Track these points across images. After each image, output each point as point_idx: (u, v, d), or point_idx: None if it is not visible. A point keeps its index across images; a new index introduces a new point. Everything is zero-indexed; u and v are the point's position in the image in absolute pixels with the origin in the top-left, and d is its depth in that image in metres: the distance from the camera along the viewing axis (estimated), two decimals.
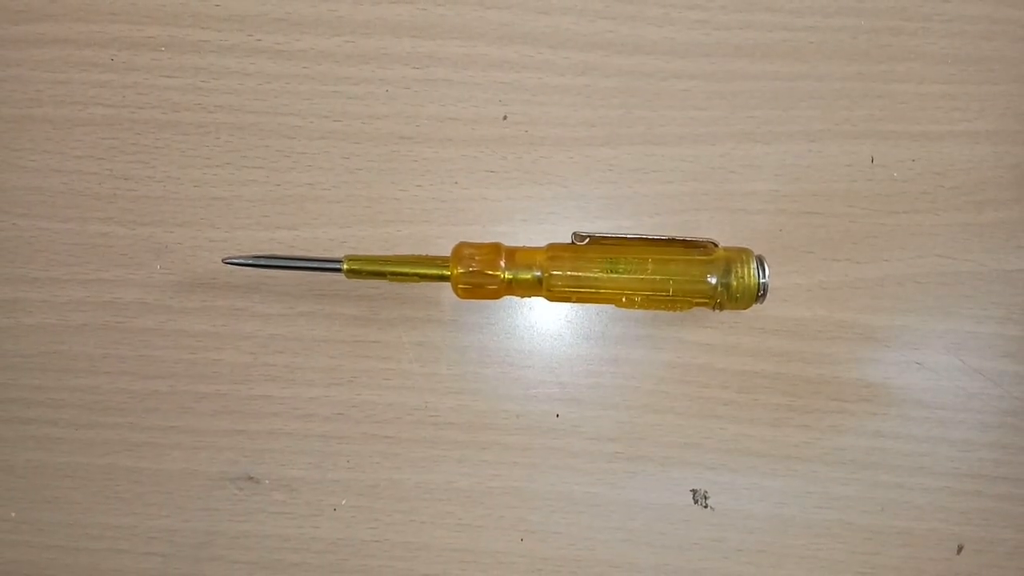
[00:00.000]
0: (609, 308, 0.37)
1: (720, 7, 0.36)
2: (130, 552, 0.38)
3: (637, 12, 0.36)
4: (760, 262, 0.31)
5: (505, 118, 0.37)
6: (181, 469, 0.37)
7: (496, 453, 0.37)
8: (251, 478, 0.37)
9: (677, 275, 0.31)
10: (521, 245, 0.33)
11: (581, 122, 0.37)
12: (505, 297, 0.33)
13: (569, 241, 0.32)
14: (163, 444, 0.37)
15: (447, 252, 0.32)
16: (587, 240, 0.32)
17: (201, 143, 0.37)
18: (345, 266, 0.32)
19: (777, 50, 0.36)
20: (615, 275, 0.32)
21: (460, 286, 0.32)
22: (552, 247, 0.32)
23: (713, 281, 0.31)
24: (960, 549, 0.37)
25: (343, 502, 0.37)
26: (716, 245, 0.32)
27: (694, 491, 0.37)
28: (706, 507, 0.37)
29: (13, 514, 0.38)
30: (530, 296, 0.33)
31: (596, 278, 0.32)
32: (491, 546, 0.37)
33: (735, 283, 0.31)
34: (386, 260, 0.32)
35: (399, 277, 0.32)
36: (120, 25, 0.36)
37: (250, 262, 0.32)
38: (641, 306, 0.32)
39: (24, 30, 0.37)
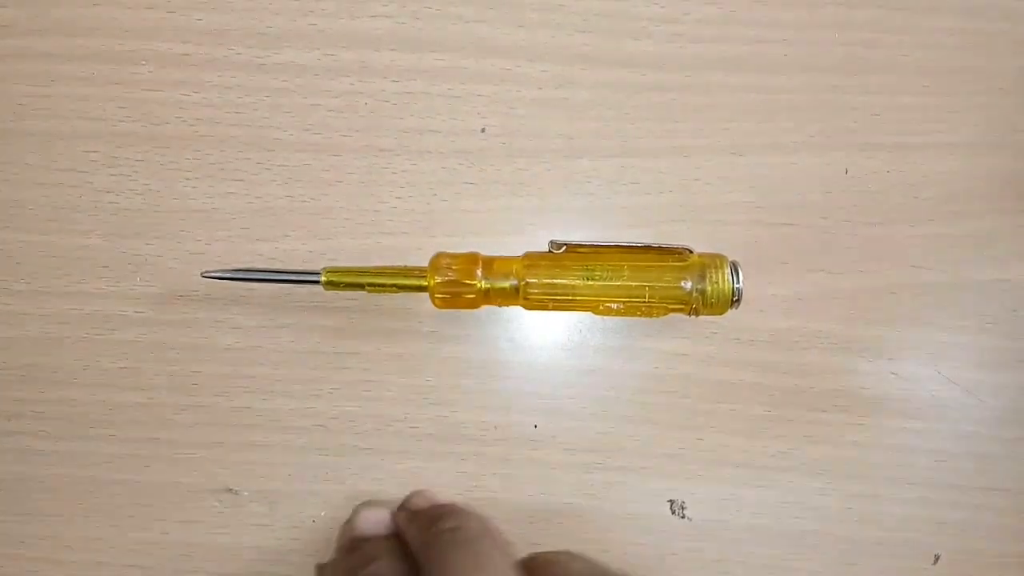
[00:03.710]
0: (587, 319, 0.37)
1: (696, 21, 0.37)
2: (110, 564, 0.37)
3: (614, 26, 0.37)
4: (734, 267, 0.31)
5: (483, 130, 0.37)
6: (161, 481, 0.37)
7: (475, 464, 0.37)
8: (231, 490, 0.37)
9: (653, 281, 0.31)
10: (498, 255, 0.33)
11: (559, 134, 0.37)
12: (484, 308, 0.33)
13: (546, 249, 0.33)
14: (143, 456, 0.37)
15: (425, 263, 0.32)
16: (563, 248, 0.32)
17: (181, 156, 0.37)
18: (324, 278, 0.32)
19: (752, 63, 0.37)
20: (592, 282, 0.32)
21: (437, 296, 0.32)
22: (529, 255, 0.33)
23: (688, 287, 0.31)
24: (937, 559, 0.37)
25: (322, 514, 0.37)
26: (691, 251, 0.32)
27: (672, 501, 0.37)
28: (683, 518, 0.37)
29: None
30: (507, 305, 0.33)
31: (573, 286, 0.32)
32: None
33: (710, 288, 0.31)
34: (364, 272, 0.33)
35: (377, 288, 0.32)
36: (101, 40, 0.37)
37: (229, 275, 0.33)
38: (618, 313, 0.32)
39: (6, 44, 0.37)
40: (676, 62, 0.37)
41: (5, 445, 0.37)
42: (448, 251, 0.33)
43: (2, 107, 0.37)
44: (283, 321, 0.37)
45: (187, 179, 0.37)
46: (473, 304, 0.32)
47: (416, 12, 0.37)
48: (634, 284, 0.32)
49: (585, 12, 0.37)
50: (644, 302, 0.32)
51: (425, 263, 0.32)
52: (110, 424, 0.37)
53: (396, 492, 0.37)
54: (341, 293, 0.36)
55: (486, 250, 0.33)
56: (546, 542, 0.37)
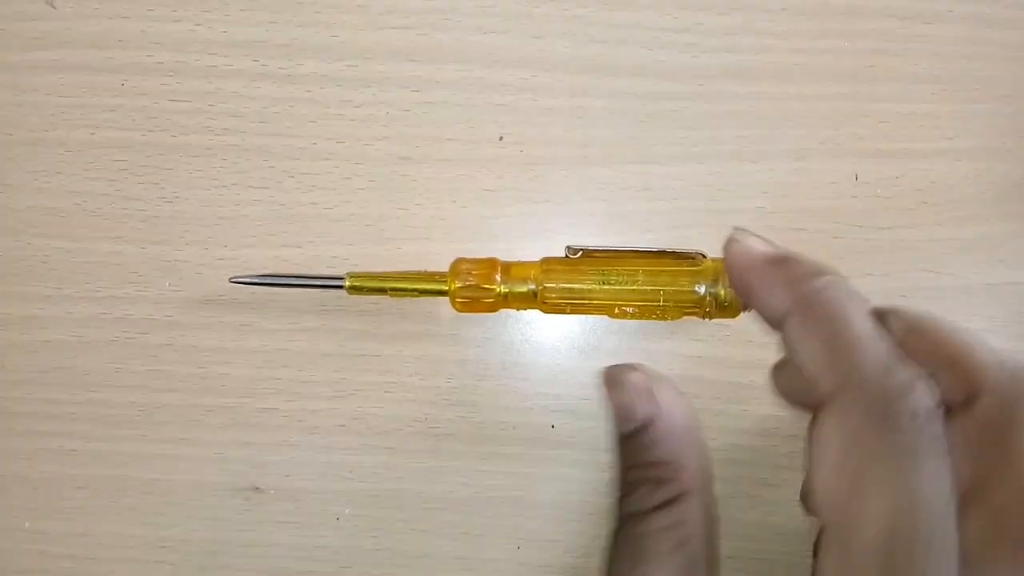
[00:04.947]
0: (602, 322, 0.38)
1: (708, 31, 0.38)
2: (141, 561, 0.39)
3: (628, 36, 0.38)
4: None
5: (501, 139, 0.38)
6: (190, 480, 0.38)
7: (494, 463, 0.38)
8: (257, 489, 0.38)
9: (667, 285, 0.32)
10: (516, 260, 0.34)
11: (574, 142, 0.38)
12: (502, 311, 0.34)
13: (563, 255, 0.34)
14: (173, 456, 0.38)
15: (446, 268, 0.33)
16: (580, 253, 0.33)
17: (208, 165, 0.38)
18: (347, 283, 0.33)
19: (764, 72, 0.38)
20: (607, 286, 0.32)
21: (458, 300, 0.33)
22: (546, 261, 0.34)
23: (702, 291, 0.32)
24: None
25: (346, 512, 0.38)
26: (704, 256, 0.33)
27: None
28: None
29: (27, 524, 0.39)
30: (526, 308, 0.34)
31: (589, 290, 0.33)
32: (489, 554, 0.38)
33: (723, 292, 0.32)
34: (386, 276, 0.34)
35: (399, 293, 0.33)
36: (131, 52, 0.38)
37: (256, 281, 0.34)
38: (633, 316, 0.33)
39: (39, 56, 0.38)
40: (689, 71, 0.38)
41: (39, 445, 0.39)
42: (468, 256, 0.34)
43: (35, 117, 0.38)
44: (308, 325, 0.38)
45: (215, 187, 0.38)
46: (492, 308, 0.33)
47: (435, 24, 0.38)
48: (649, 288, 0.32)
49: (600, 23, 0.38)
50: (659, 305, 0.32)
51: (445, 268, 0.33)
52: (140, 425, 0.38)
53: (418, 490, 0.38)
54: (364, 297, 0.37)
55: (504, 255, 0.34)
56: (564, 540, 0.38)
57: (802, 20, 0.38)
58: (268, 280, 0.34)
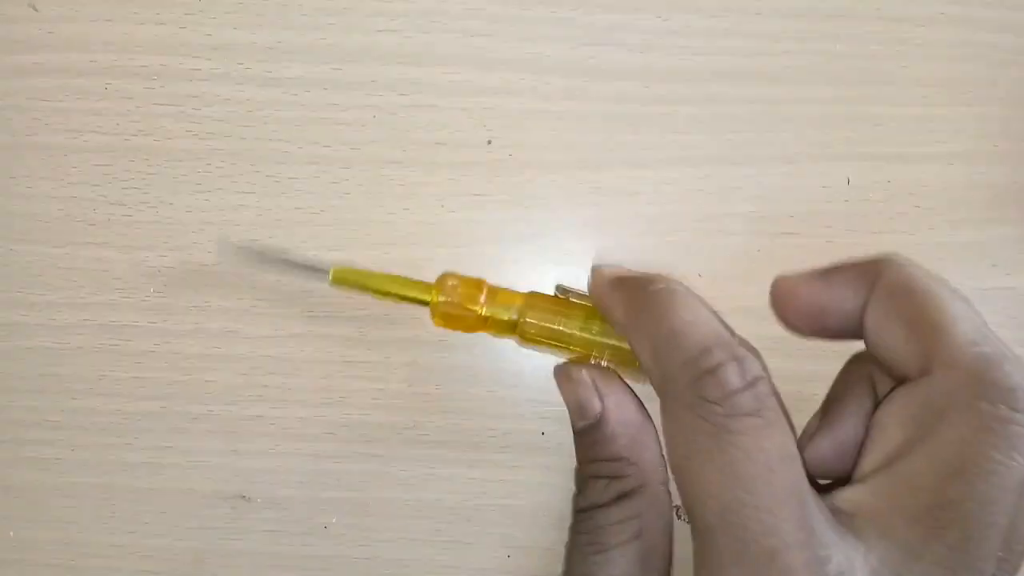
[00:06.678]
0: None
1: (699, 34, 0.37)
2: (126, 570, 0.38)
3: (618, 39, 0.37)
4: None
5: (490, 143, 0.37)
6: (175, 488, 0.38)
7: (483, 471, 0.38)
8: (244, 497, 0.38)
9: None
10: (504, 288, 0.33)
11: (564, 146, 0.37)
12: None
13: (551, 291, 0.33)
14: (158, 464, 0.38)
15: (434, 273, 0.33)
16: (568, 295, 0.33)
17: (193, 169, 0.37)
18: (331, 275, 0.33)
19: (755, 75, 0.37)
20: (589, 336, 0.32)
21: (437, 314, 0.32)
22: (533, 295, 0.33)
23: None
24: None
25: (334, 520, 0.38)
26: None
27: (677, 507, 0.38)
28: (688, 522, 0.37)
29: (11, 533, 0.38)
30: (502, 336, 0.33)
31: (570, 335, 0.32)
32: (479, 563, 0.38)
33: None
34: (372, 275, 0.33)
35: (381, 295, 0.33)
36: (114, 55, 0.37)
37: (246, 251, 0.33)
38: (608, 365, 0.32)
39: (21, 60, 0.38)
40: (679, 75, 0.37)
41: (23, 453, 0.38)
42: (458, 266, 0.33)
43: (17, 121, 0.38)
44: (294, 331, 0.37)
45: (199, 192, 0.37)
46: (470, 328, 0.33)
47: (423, 27, 0.37)
48: (626, 348, 0.32)
49: (589, 26, 0.37)
50: (637, 369, 0.32)
51: (433, 274, 0.33)
52: (125, 432, 0.38)
53: (407, 499, 0.38)
54: (351, 303, 0.36)
55: (492, 259, 0.34)
56: (555, 547, 0.38)
57: (793, 23, 0.37)
58: (255, 253, 0.33)
